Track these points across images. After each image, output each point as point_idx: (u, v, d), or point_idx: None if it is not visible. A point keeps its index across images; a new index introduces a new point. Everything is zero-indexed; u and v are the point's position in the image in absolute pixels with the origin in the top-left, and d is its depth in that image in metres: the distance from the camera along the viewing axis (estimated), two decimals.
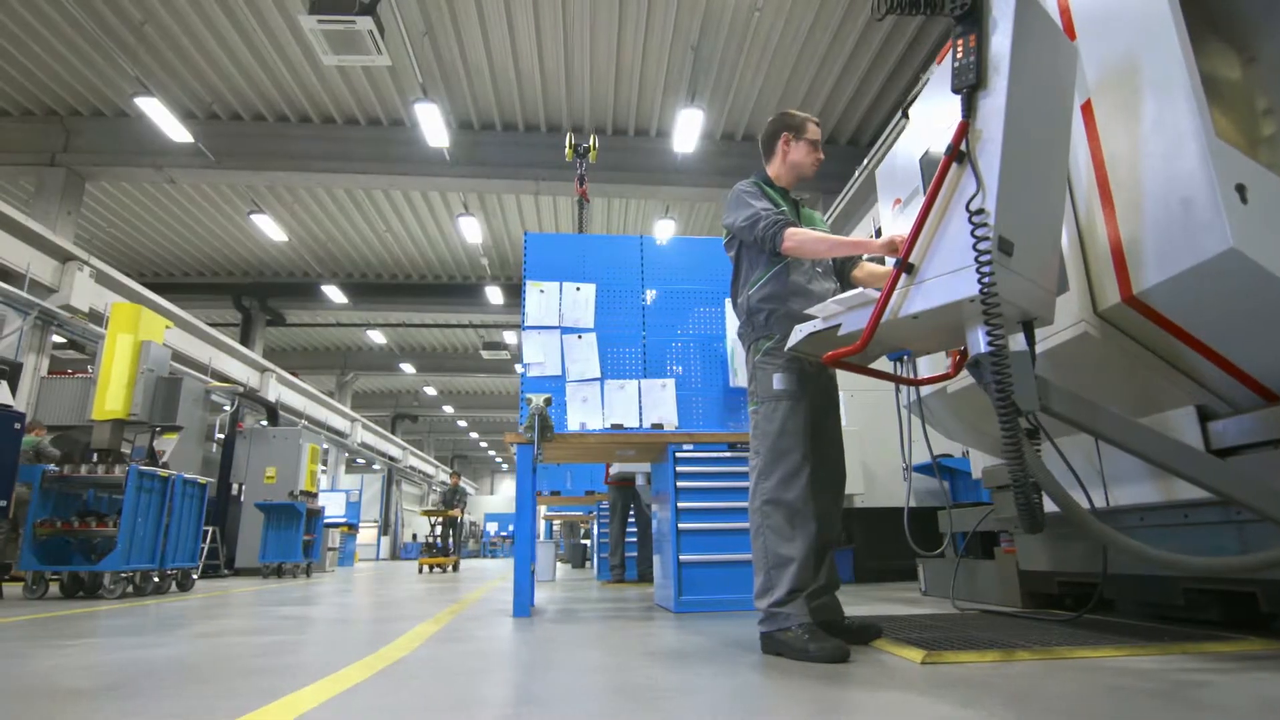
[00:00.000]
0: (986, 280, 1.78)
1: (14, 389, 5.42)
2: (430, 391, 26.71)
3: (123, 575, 5.15)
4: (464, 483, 13.51)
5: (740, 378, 4.49)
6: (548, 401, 3.54)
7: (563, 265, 4.72)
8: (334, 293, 16.41)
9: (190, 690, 1.76)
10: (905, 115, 3.99)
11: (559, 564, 14.52)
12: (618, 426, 4.31)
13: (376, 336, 20.15)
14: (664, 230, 14.23)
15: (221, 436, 10.85)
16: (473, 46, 10.33)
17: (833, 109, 11.62)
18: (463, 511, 12.91)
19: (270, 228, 13.66)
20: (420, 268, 17.02)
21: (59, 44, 10.06)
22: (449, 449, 35.66)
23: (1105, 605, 2.99)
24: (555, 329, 4.57)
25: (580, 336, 4.58)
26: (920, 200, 3.69)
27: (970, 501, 4.98)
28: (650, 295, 4.70)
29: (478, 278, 17.43)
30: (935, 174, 1.99)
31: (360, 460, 23.59)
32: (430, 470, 28.64)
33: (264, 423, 13.42)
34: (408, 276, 17.42)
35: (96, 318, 11.36)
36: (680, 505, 3.58)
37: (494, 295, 16.73)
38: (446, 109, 11.33)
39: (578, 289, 4.67)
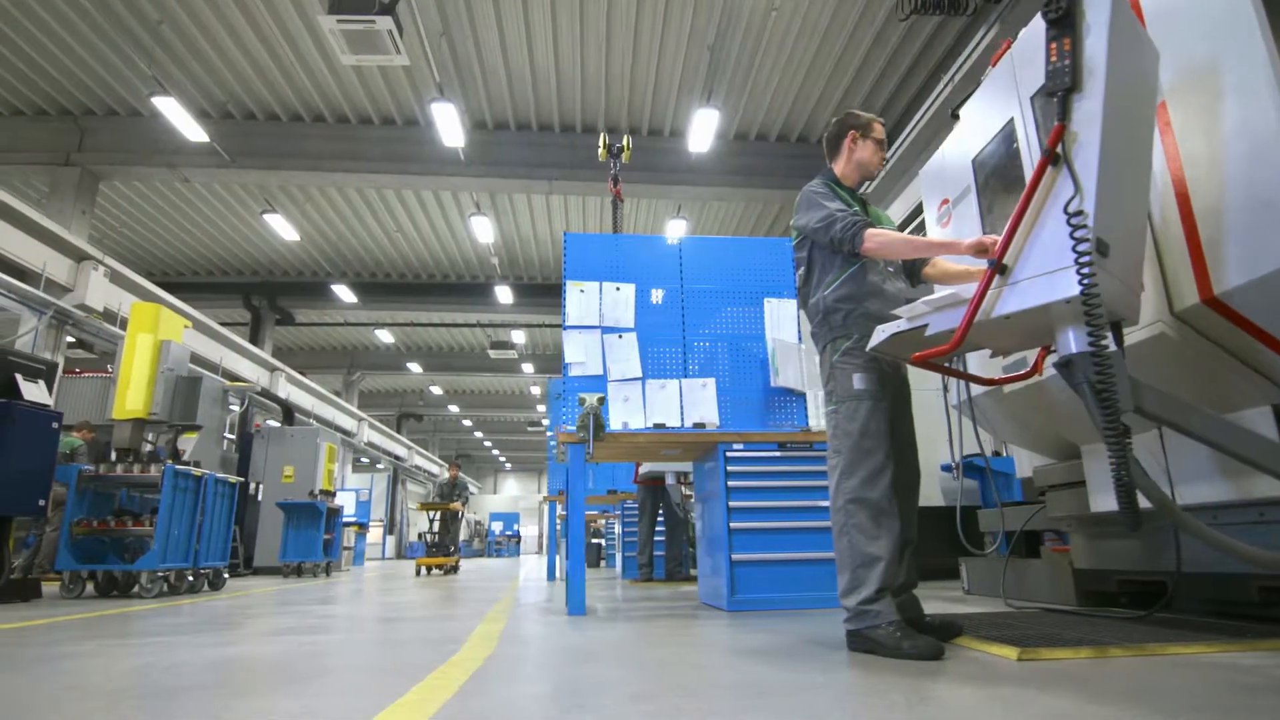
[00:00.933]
0: (1088, 282, 1.80)
1: (50, 388, 5.42)
2: (436, 391, 26.71)
3: (159, 574, 5.16)
4: (463, 477, 12.86)
5: (781, 377, 4.51)
6: (600, 401, 3.55)
7: (601, 265, 4.73)
8: (344, 292, 16.41)
9: (301, 688, 1.77)
10: (955, 116, 4.00)
11: None
12: (660, 426, 4.33)
13: (385, 336, 20.14)
14: (676, 230, 14.24)
15: (231, 437, 10.83)
16: (489, 46, 10.34)
17: (847, 107, 11.62)
18: (464, 506, 11.96)
19: (283, 227, 13.66)
20: (429, 267, 17.01)
21: (75, 43, 10.05)
22: (453, 448, 35.67)
23: (1164, 603, 3.01)
24: (596, 329, 4.58)
25: (621, 336, 4.59)
26: (970, 200, 3.72)
27: (1005, 501, 5.01)
28: (689, 295, 4.72)
29: (486, 277, 17.44)
30: (1031, 176, 2.00)
31: (364, 460, 23.59)
32: (435, 469, 28.64)
33: (271, 422, 13.44)
34: (416, 276, 17.43)
35: (111, 317, 11.36)
36: (732, 504, 3.60)
37: (503, 295, 16.74)
38: (461, 109, 11.33)
39: (617, 289, 4.68)
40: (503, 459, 39.75)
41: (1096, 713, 1.37)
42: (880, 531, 2.21)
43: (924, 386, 5.93)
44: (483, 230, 13.94)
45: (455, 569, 11.01)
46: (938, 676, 1.79)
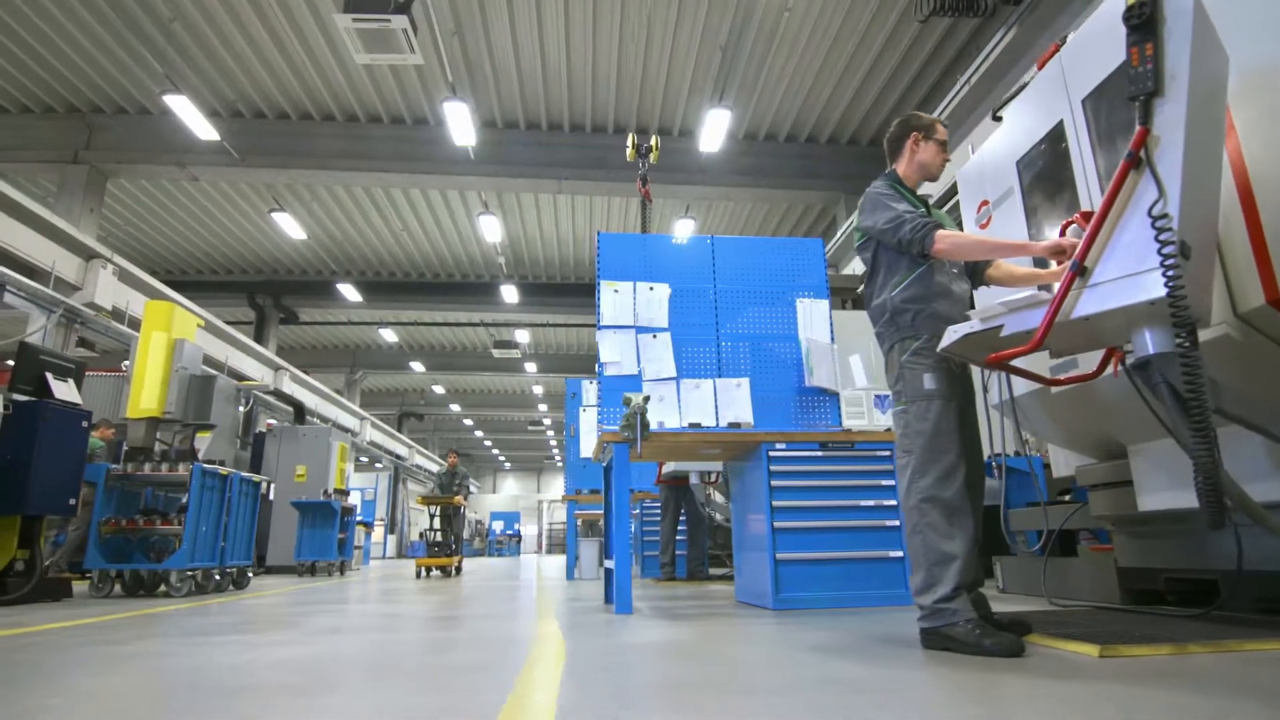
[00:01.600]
0: (1175, 284, 1.82)
1: (80, 386, 5.41)
2: (438, 390, 26.67)
3: (188, 573, 5.15)
4: (462, 467, 11.35)
5: (816, 377, 4.53)
6: (646, 400, 3.57)
7: (635, 265, 4.74)
8: (349, 291, 16.38)
9: (406, 684, 1.78)
10: (997, 119, 4.03)
11: None
12: (695, 425, 4.35)
13: (388, 335, 20.11)
14: (683, 229, 14.26)
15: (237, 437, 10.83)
16: (500, 45, 10.34)
17: (857, 110, 11.69)
18: (466, 498, 10.80)
19: (290, 226, 13.63)
20: (434, 266, 17.00)
21: (85, 40, 10.01)
22: (446, 444, 35.59)
23: (1209, 601, 3.04)
24: (630, 328, 4.60)
25: (655, 336, 4.61)
26: (1013, 201, 3.75)
27: (1029, 501, 5.06)
28: (722, 295, 4.74)
29: (491, 276, 17.43)
30: (1113, 180, 2.02)
31: (364, 459, 23.53)
32: (434, 468, 28.58)
33: (270, 421, 13.40)
34: (420, 275, 17.41)
35: (119, 315, 11.32)
36: (775, 504, 3.62)
37: (509, 294, 16.74)
38: (471, 107, 11.32)
39: (651, 289, 4.70)
40: (502, 458, 39.70)
41: (1208, 706, 1.40)
42: (954, 530, 2.23)
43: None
44: (490, 229, 13.93)
45: (458, 570, 9.93)
46: (1029, 673, 1.81)
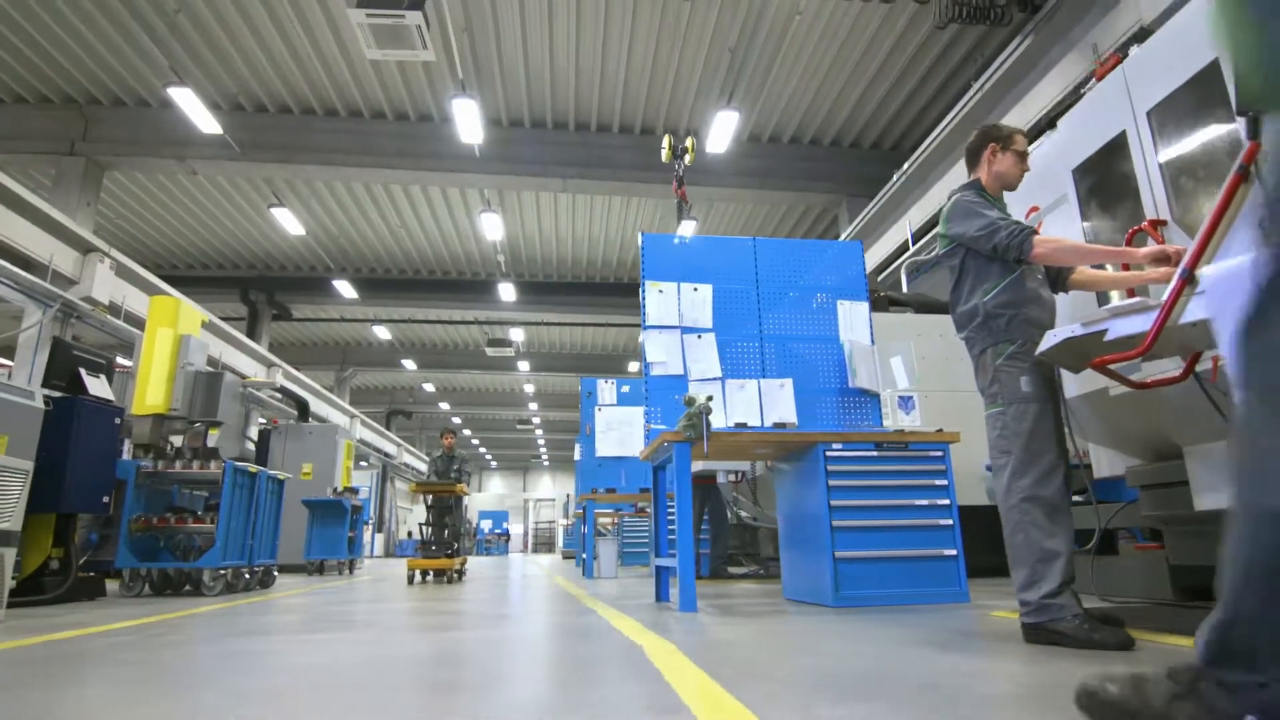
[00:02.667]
0: None
1: (110, 382, 5.33)
2: (429, 388, 26.51)
3: (220, 572, 5.10)
4: (461, 451, 9.80)
5: (859, 378, 4.60)
6: (710, 399, 3.61)
7: (678, 266, 4.78)
8: (345, 287, 16.24)
9: (563, 679, 1.81)
10: (1053, 126, 4.12)
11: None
12: (741, 425, 4.40)
13: (382, 332, 19.96)
14: (685, 231, 14.28)
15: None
16: (509, 43, 10.33)
17: (861, 113, 11.82)
18: (467, 487, 8.81)
19: (289, 221, 13.47)
20: (431, 263, 16.90)
21: (87, 30, 9.83)
22: (439, 446, 35.38)
23: None
24: (676, 329, 4.64)
25: (700, 336, 4.66)
26: (1067, 208, 3.84)
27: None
28: (765, 296, 4.79)
29: (488, 274, 17.38)
30: (1224, 191, 2.10)
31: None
32: (423, 467, 28.40)
33: (263, 421, 13.23)
34: (416, 272, 17.31)
35: (115, 310, 11.13)
36: (834, 503, 3.68)
37: (506, 292, 16.68)
38: (478, 104, 11.29)
39: (695, 289, 4.74)
40: (489, 457, 39.51)
41: None
42: (1056, 528, 2.30)
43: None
44: (492, 227, 13.88)
45: (460, 574, 7.94)
46: (1151, 665, 1.88)
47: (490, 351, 20.10)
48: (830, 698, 1.56)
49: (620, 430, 8.23)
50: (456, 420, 30.89)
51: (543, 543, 37.73)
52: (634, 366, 22.87)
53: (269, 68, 10.67)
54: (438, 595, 5.15)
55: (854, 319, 4.80)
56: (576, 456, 12.34)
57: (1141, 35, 6.13)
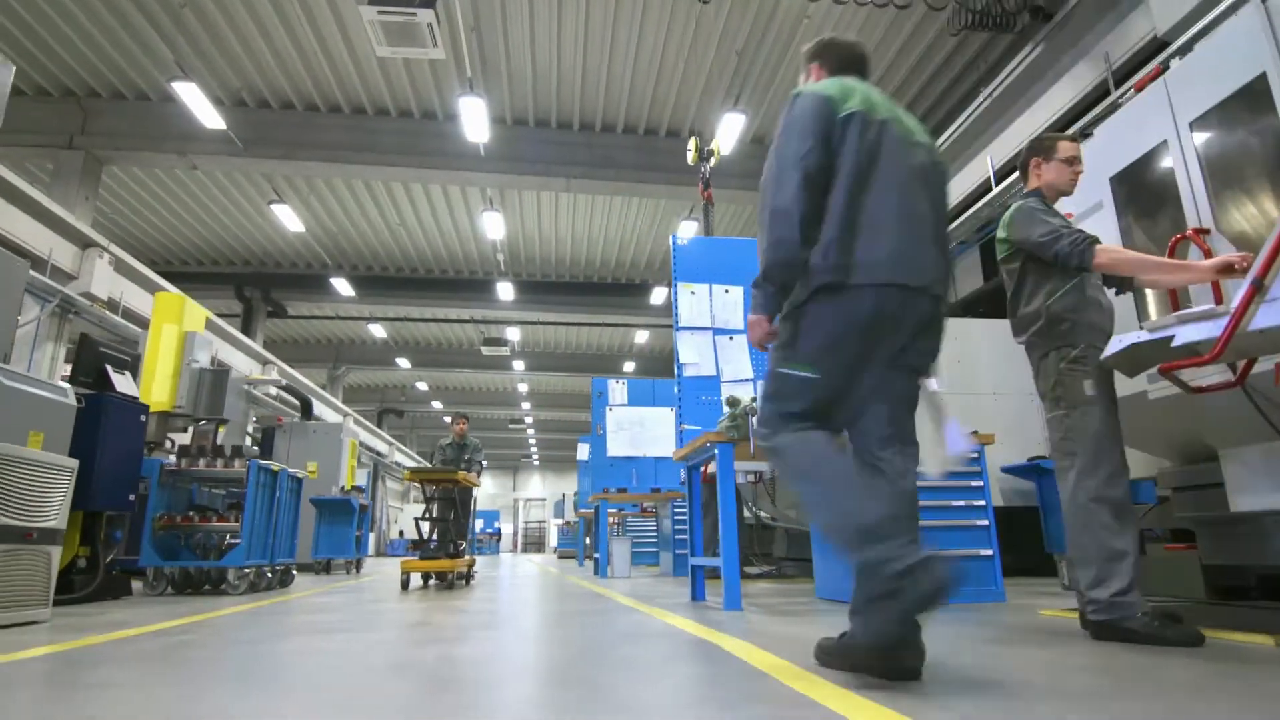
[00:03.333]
0: None
1: (135, 378, 5.28)
2: (421, 386, 26.39)
3: (245, 571, 5.08)
4: (474, 437, 8.53)
5: None
6: (753, 400, 3.64)
7: (709, 268, 4.82)
8: (342, 285, 16.13)
9: (702, 677, 1.83)
10: (1087, 135, 4.19)
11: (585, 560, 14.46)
12: None
13: (377, 330, 19.85)
14: (687, 231, 14.36)
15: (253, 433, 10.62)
16: (517, 42, 10.33)
17: None
18: (479, 477, 8.00)
19: (289, 218, 13.37)
20: (429, 261, 16.83)
21: (90, 23, 9.71)
22: (430, 445, 35.24)
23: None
24: (708, 330, 4.68)
25: (731, 338, 4.69)
26: (1104, 215, 3.91)
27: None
28: None
29: (485, 273, 17.34)
30: None
31: None
32: (413, 465, 28.28)
33: (256, 421, 13.15)
34: (414, 270, 17.24)
35: (113, 307, 11.01)
36: None
37: (505, 291, 16.65)
38: (486, 103, 11.28)
39: (726, 291, 4.78)
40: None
41: None
42: (1123, 528, 2.36)
43: (1005, 389, 6.16)
44: (493, 226, 13.85)
45: (468, 578, 6.92)
46: (1230, 660, 1.94)
47: (486, 350, 20.04)
48: (945, 691, 1.60)
49: (631, 430, 8.26)
50: (448, 419, 30.72)
51: (532, 542, 37.67)
52: (629, 367, 22.89)
53: (273, 63, 10.59)
54: (462, 597, 5.15)
55: None
56: (582, 456, 12.37)
57: (1156, 46, 6.26)
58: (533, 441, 36.29)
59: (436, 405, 28.37)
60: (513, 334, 20.14)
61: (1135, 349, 2.43)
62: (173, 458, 5.27)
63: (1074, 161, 2.85)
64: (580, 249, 16.30)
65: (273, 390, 12.81)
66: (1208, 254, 3.03)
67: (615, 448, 8.18)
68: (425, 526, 6.54)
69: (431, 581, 6.59)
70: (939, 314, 2.02)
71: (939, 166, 2.19)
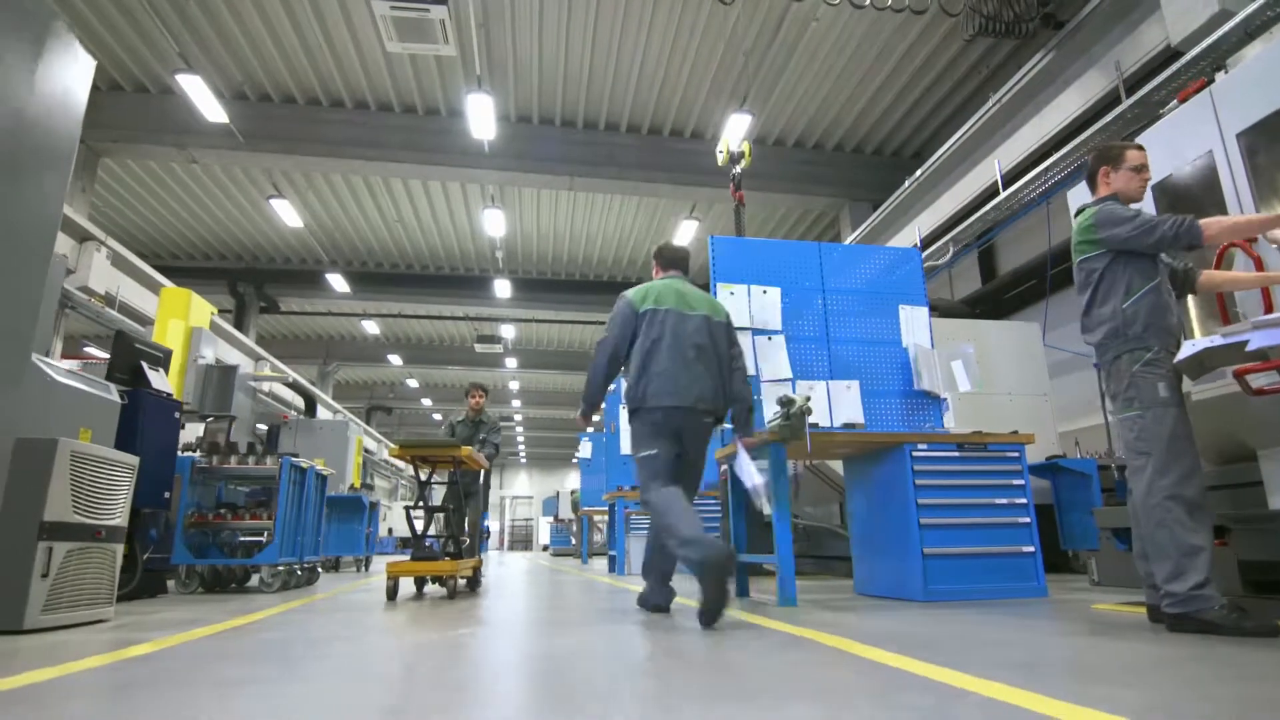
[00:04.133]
0: None
1: (168, 375, 5.22)
2: (412, 384, 26.22)
3: (278, 569, 5.06)
4: (491, 412, 7.73)
5: (924, 381, 4.76)
6: (808, 400, 3.71)
7: (747, 268, 4.88)
8: (337, 280, 16.00)
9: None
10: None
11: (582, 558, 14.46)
12: (813, 426, 4.51)
13: (370, 327, 19.71)
14: (687, 231, 14.41)
15: (262, 427, 10.48)
16: (525, 40, 10.32)
17: (866, 119, 12.06)
18: (496, 455, 6.79)
19: (287, 212, 13.24)
20: (425, 258, 16.76)
21: (89, 13, 9.55)
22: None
23: None
24: (747, 330, 4.74)
25: (770, 338, 4.76)
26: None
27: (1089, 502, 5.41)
28: (830, 299, 4.92)
29: (481, 270, 17.30)
30: None
31: None
32: (400, 464, 28.07)
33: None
34: (409, 266, 17.15)
35: (110, 302, 10.83)
36: (920, 501, 3.82)
37: (502, 289, 16.60)
38: (494, 101, 11.25)
39: (764, 292, 4.85)
40: None
41: None
42: (1198, 524, 2.46)
43: (1020, 390, 6.28)
44: (494, 223, 13.81)
45: (475, 582, 5.59)
46: None
47: (479, 348, 19.96)
48: (1073, 678, 1.67)
49: None
50: (437, 417, 30.58)
51: (519, 540, 37.58)
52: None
53: (277, 56, 10.49)
54: (498, 600, 5.16)
55: (914, 323, 4.96)
56: (584, 454, 12.39)
57: (1168, 56, 6.42)
58: (521, 439, 36.20)
59: (426, 402, 28.21)
60: (507, 331, 20.10)
61: (1208, 353, 2.53)
62: (197, 454, 5.22)
63: (1142, 169, 2.93)
64: (578, 247, 16.31)
65: (266, 386, 12.67)
66: (1259, 263, 3.15)
67: (629, 445, 8.21)
68: (419, 520, 5.19)
69: (429, 588, 5.55)
70: (705, 419, 3.52)
71: (714, 320, 3.65)
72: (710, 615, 2.82)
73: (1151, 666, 1.88)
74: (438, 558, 4.87)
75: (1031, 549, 3.89)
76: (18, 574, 2.58)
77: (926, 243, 9.90)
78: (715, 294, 4.75)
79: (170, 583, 5.07)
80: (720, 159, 5.95)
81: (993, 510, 3.93)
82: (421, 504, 5.15)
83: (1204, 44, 5.84)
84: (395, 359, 22.01)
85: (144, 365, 4.70)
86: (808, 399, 3.72)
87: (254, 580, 5.74)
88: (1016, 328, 6.46)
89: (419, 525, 5.15)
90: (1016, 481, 3.99)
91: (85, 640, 2.56)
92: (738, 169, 5.88)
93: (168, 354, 5.06)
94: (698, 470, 3.63)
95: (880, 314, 4.95)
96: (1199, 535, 2.45)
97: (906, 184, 10.10)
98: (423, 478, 5.35)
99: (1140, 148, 2.98)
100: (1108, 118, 6.79)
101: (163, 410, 4.69)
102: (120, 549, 3.26)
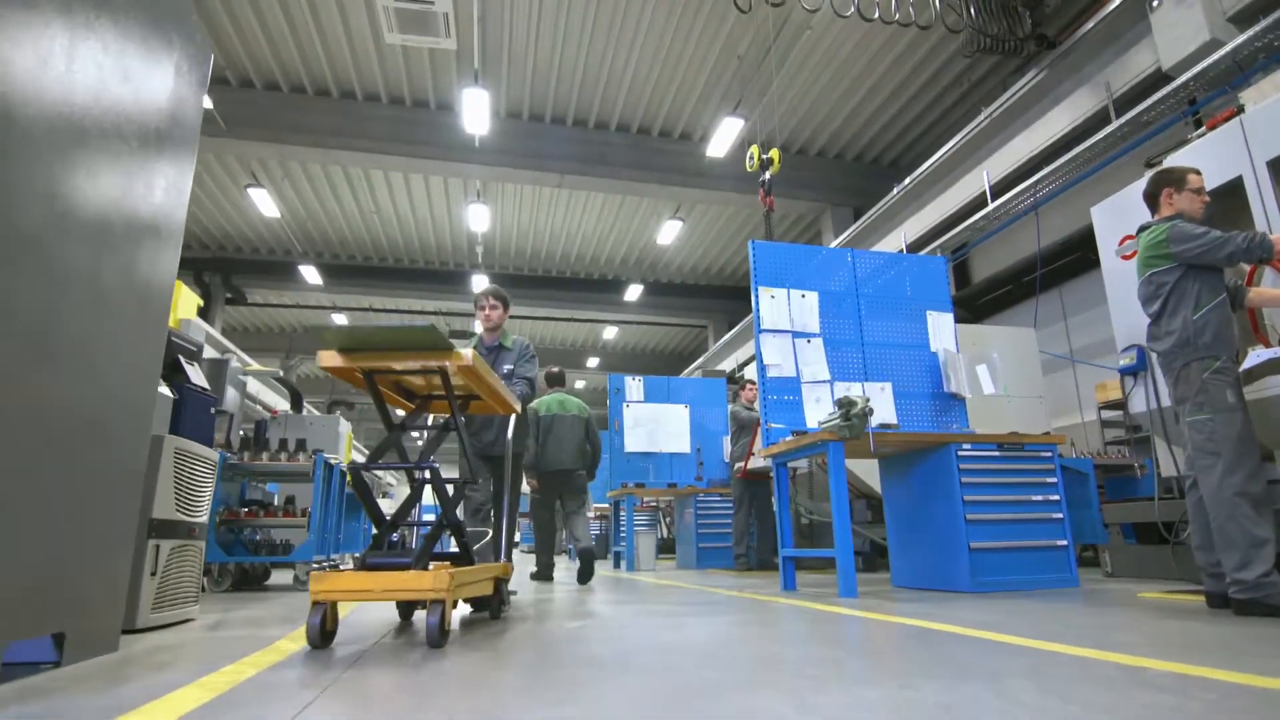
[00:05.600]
0: None
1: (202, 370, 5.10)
2: None
3: (313, 566, 5.02)
4: (519, 338, 4.95)
5: (953, 384, 5.00)
6: (867, 400, 3.89)
7: (786, 272, 5.05)
8: (310, 272, 15.65)
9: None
10: (1150, 165, 4.58)
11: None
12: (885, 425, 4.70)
13: (340, 320, 19.30)
14: (670, 231, 14.57)
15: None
16: (520, 36, 10.31)
17: (850, 126, 12.41)
18: (532, 396, 4.77)
19: (264, 202, 12.90)
20: (400, 251, 16.52)
21: None
22: (376, 437, 34.35)
23: None
24: (788, 333, 4.90)
25: (809, 341, 4.93)
26: None
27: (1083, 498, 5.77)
28: (864, 304, 5.12)
29: (457, 264, 17.14)
30: None
31: None
32: (359, 459, 27.54)
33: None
34: (383, 259, 16.89)
35: None
36: (966, 498, 4.04)
37: (479, 284, 16.48)
38: (489, 95, 11.18)
39: (803, 296, 5.02)
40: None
41: None
42: (1263, 518, 2.71)
43: (1018, 392, 6.59)
44: (478, 218, 13.71)
45: (499, 603, 3.18)
46: None
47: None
48: (1205, 651, 1.86)
49: (648, 426, 8.43)
50: (400, 412, 30.04)
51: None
52: (593, 362, 22.99)
53: (264, 42, 10.24)
54: (553, 631, 5.15)
55: (940, 328, 5.20)
56: None
57: (1157, 79, 6.83)
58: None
59: None
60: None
61: (1273, 363, 2.79)
62: (234, 452, 5.13)
63: (1201, 192, 3.18)
64: (558, 244, 16.30)
65: (252, 381, 12.32)
66: None
67: (633, 443, 8.33)
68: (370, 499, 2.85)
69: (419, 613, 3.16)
70: (574, 477, 6.14)
71: (579, 418, 6.26)
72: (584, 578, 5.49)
73: (1252, 642, 2.09)
74: (408, 565, 2.41)
75: (1064, 543, 4.15)
76: (135, 572, 2.56)
77: (913, 249, 10.26)
78: (757, 297, 4.89)
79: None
80: (749, 165, 6.10)
81: (1029, 506, 4.17)
82: (376, 467, 2.79)
83: (1194, 70, 6.24)
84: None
85: (181, 359, 4.60)
86: (868, 400, 3.90)
87: (271, 578, 5.66)
88: (1012, 332, 6.80)
89: (387, 505, 3.54)
90: (1050, 479, 4.25)
91: (206, 638, 2.55)
92: (766, 175, 6.03)
93: (200, 348, 4.95)
94: (579, 499, 6.16)
95: (909, 319, 5.17)
96: (1264, 528, 2.70)
97: (895, 191, 10.44)
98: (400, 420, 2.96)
99: (1199, 172, 3.23)
100: (1098, 135, 7.19)
101: (202, 405, 4.59)
102: (202, 545, 3.23)
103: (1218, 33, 6.17)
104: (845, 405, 3.90)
